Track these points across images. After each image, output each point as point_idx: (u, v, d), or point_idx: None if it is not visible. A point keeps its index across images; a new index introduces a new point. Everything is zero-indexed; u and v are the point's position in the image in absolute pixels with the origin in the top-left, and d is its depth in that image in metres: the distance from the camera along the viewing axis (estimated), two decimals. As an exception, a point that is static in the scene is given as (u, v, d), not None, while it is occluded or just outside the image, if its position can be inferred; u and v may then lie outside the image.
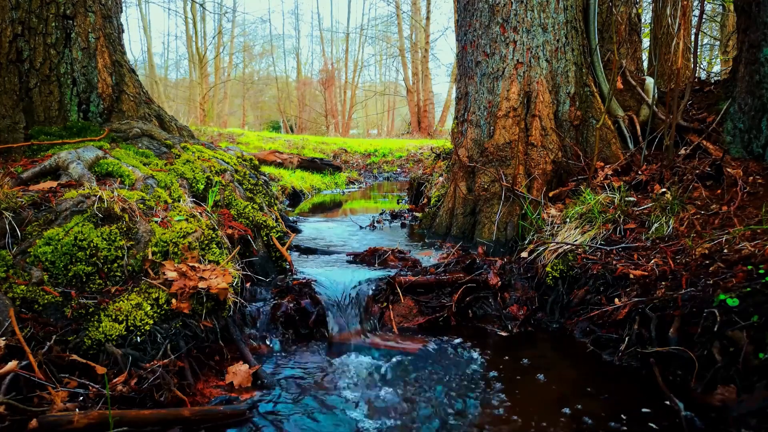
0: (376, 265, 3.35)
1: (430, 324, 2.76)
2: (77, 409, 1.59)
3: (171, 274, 2.20)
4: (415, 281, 2.93)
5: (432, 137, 22.07)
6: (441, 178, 5.29)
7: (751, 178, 3.07)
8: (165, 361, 1.90)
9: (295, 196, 7.86)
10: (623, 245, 2.88)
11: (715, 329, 1.95)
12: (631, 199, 3.33)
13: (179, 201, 2.88)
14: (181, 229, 2.47)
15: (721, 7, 9.89)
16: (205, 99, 26.30)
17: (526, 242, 3.43)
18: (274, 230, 3.35)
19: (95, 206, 2.27)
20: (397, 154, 14.34)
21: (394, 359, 2.36)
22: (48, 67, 3.46)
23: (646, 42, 6.80)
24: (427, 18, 25.95)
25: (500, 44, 3.94)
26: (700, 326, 2.03)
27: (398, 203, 7.16)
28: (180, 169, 3.25)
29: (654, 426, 1.77)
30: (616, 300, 2.50)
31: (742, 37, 3.49)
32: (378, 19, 36.63)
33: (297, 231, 4.64)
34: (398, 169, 13.51)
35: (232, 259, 2.60)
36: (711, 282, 2.20)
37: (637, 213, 3.15)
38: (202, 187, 3.29)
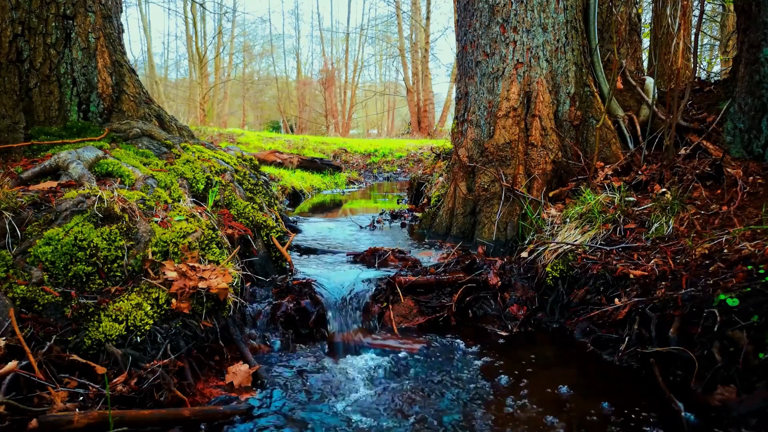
0: (376, 265, 3.35)
1: (430, 324, 2.76)
2: (77, 409, 1.59)
3: (171, 274, 2.20)
4: (415, 281, 2.93)
5: (432, 137, 22.06)
6: (441, 178, 5.29)
7: (751, 178, 3.07)
8: (165, 361, 1.90)
9: (295, 196, 7.85)
10: (623, 245, 2.88)
11: (715, 329, 1.95)
12: (631, 199, 3.33)
13: (179, 201, 2.88)
14: (181, 229, 2.47)
15: (721, 7, 9.89)
16: (205, 99, 26.29)
17: (526, 242, 3.43)
18: (274, 230, 3.35)
19: (95, 206, 2.27)
20: (397, 154, 14.34)
21: (394, 359, 2.36)
22: (48, 67, 3.46)
23: (646, 42, 6.79)
24: (427, 18, 25.93)
25: (500, 44, 3.94)
26: (700, 326, 2.03)
27: (398, 203, 7.16)
28: (180, 169, 3.25)
29: (654, 426, 1.77)
30: (616, 300, 2.50)
31: (742, 37, 3.49)
32: (378, 19, 36.64)
33: (297, 231, 4.64)
34: (398, 169, 13.50)
35: (232, 259, 2.60)
36: (711, 282, 2.20)
37: (637, 213, 3.15)
38: (202, 187, 3.29)
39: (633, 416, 1.83)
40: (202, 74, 26.88)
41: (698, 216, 2.94)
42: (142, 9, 26.34)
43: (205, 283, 2.22)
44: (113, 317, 1.96)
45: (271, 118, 34.73)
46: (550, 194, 3.79)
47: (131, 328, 1.97)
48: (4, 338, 1.71)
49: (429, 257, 3.59)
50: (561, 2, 3.91)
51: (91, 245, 2.16)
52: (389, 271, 3.09)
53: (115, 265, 2.20)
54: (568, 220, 3.33)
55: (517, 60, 3.90)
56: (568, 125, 3.98)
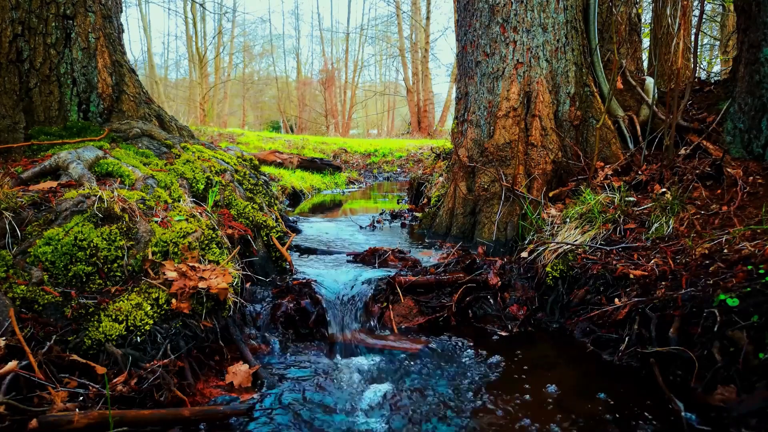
0: (376, 265, 3.35)
1: (430, 324, 2.76)
2: (77, 409, 1.59)
3: (171, 274, 2.20)
4: (415, 281, 2.93)
5: (432, 137, 22.06)
6: (441, 178, 5.29)
7: (751, 178, 3.07)
8: (165, 361, 1.90)
9: (295, 196, 7.85)
10: (623, 245, 2.88)
11: (715, 329, 1.95)
12: (631, 199, 3.33)
13: (179, 201, 2.88)
14: (181, 229, 2.47)
15: (721, 7, 9.89)
16: (205, 99, 26.29)
17: (526, 242, 3.43)
18: (274, 230, 3.35)
19: (95, 206, 2.27)
20: (397, 154, 14.33)
21: (394, 359, 2.36)
22: (48, 67, 3.46)
23: (646, 42, 6.79)
24: (427, 18, 25.93)
25: (500, 44, 3.94)
26: (700, 326, 2.03)
27: (398, 203, 7.16)
28: (180, 169, 3.25)
29: (654, 426, 1.77)
30: (616, 300, 2.50)
31: (742, 37, 3.49)
32: (378, 19, 36.66)
33: (297, 231, 4.64)
34: (398, 169, 13.49)
35: (232, 259, 2.60)
36: (711, 282, 2.20)
37: (637, 213, 3.15)
38: (202, 187, 3.29)
39: (633, 416, 1.83)
40: (202, 74, 26.88)
41: (698, 216, 2.94)
42: (142, 9, 26.37)
43: (205, 283, 2.22)
44: (113, 317, 1.96)
45: (271, 118, 34.72)
46: (550, 194, 3.79)
47: (131, 328, 1.97)
48: (4, 338, 1.71)
49: (429, 257, 3.59)
50: (561, 2, 3.91)
51: (91, 245, 2.16)
52: (389, 271, 3.09)
53: (115, 265, 2.20)
54: (568, 220, 3.33)
55: (517, 60, 3.90)
56: (568, 125, 3.98)
